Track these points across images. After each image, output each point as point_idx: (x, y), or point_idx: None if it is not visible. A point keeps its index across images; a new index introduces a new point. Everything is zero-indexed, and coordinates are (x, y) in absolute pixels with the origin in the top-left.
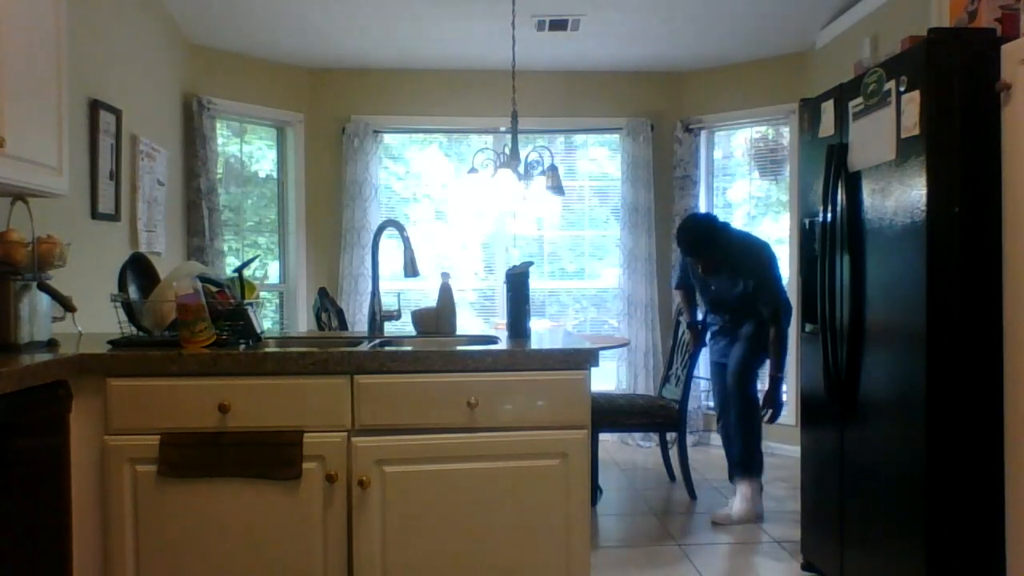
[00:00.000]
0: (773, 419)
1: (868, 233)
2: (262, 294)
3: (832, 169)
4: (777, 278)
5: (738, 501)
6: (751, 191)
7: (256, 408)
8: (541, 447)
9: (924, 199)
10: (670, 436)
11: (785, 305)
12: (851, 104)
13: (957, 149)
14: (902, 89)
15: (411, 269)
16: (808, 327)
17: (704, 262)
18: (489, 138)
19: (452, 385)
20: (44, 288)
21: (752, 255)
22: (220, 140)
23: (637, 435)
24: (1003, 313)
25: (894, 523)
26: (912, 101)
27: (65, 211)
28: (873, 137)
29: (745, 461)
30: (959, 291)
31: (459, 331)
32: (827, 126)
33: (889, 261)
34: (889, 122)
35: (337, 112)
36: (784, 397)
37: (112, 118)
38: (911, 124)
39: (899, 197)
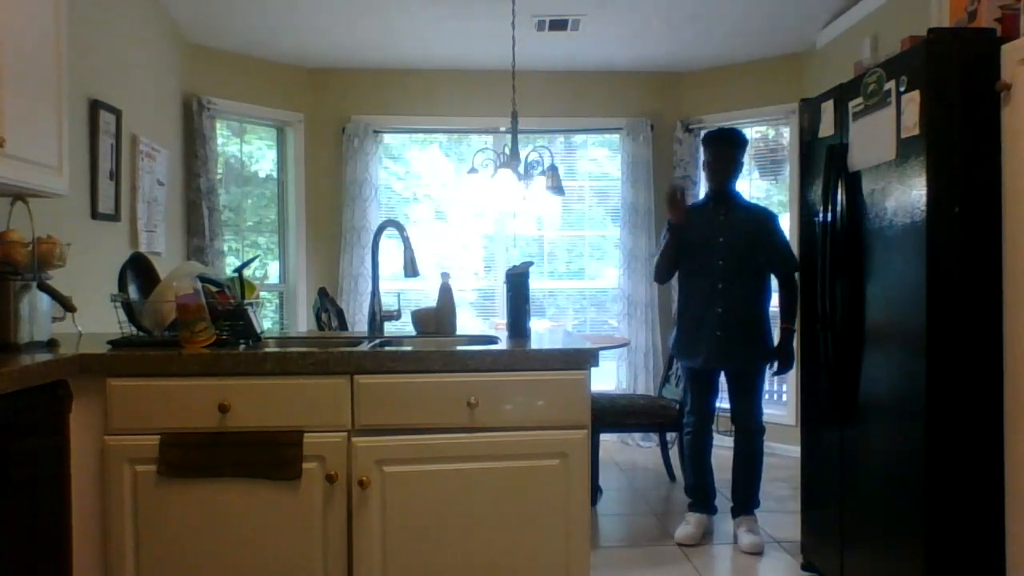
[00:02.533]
0: (782, 371)
1: (868, 233)
2: (262, 294)
3: (832, 169)
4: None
5: (750, 534)
6: (751, 191)
7: (256, 408)
8: (541, 447)
9: (924, 199)
10: (670, 436)
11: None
12: (851, 104)
13: (957, 149)
14: (902, 89)
15: (411, 269)
16: (808, 327)
17: (731, 162)
18: (489, 138)
19: (452, 385)
20: (44, 288)
21: (765, 209)
22: (220, 140)
23: (637, 435)
24: (1003, 313)
25: (894, 523)
26: (912, 101)
27: (65, 211)
28: (873, 137)
29: (754, 497)
30: (959, 291)
31: (459, 331)
32: (827, 126)
33: (889, 261)
34: (889, 122)
35: (337, 112)
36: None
37: (112, 118)
38: (911, 124)
39: (899, 197)
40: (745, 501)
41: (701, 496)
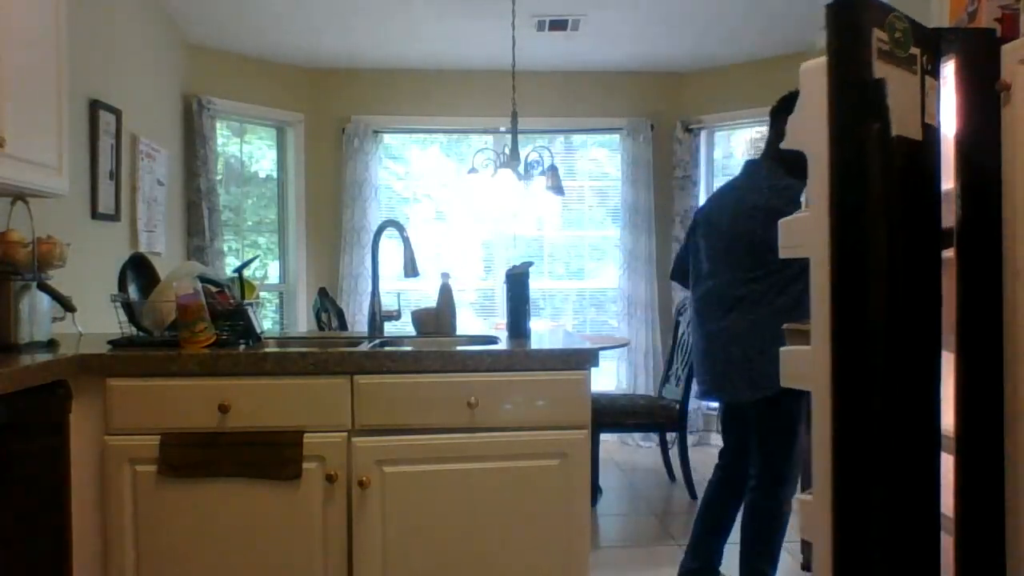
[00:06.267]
0: None
1: None
2: (262, 294)
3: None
4: None
5: None
6: None
7: (256, 408)
8: (541, 447)
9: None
10: (670, 436)
11: None
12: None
13: (956, 149)
14: (929, 67)
15: (411, 269)
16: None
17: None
18: (489, 138)
19: (452, 385)
20: (44, 288)
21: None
22: (220, 140)
23: (637, 435)
24: (1003, 315)
25: None
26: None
27: (65, 211)
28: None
29: None
30: (958, 292)
31: (459, 331)
32: None
33: None
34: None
35: (337, 112)
36: None
37: (112, 118)
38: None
39: None
40: None
41: None
